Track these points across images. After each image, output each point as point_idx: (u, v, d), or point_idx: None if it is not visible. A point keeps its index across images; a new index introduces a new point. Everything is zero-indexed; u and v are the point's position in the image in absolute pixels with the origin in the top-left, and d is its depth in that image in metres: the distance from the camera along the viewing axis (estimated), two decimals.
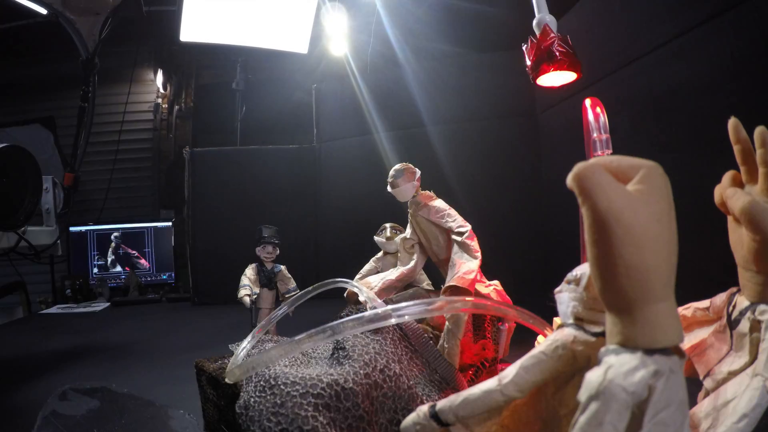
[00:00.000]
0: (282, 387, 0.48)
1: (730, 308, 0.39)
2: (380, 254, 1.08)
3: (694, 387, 0.39)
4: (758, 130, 0.38)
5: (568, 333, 0.35)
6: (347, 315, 0.57)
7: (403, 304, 0.46)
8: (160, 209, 3.10)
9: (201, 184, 2.13)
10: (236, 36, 2.27)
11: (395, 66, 2.05)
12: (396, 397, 0.53)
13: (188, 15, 2.13)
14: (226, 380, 0.56)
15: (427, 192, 0.92)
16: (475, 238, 0.85)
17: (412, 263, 0.94)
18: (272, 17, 2.23)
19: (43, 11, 1.27)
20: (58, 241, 1.38)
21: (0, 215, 1.06)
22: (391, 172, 0.90)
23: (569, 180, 0.26)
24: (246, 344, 0.62)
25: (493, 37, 1.93)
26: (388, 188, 0.91)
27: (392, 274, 0.95)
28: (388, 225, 1.06)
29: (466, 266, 0.81)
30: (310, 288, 0.75)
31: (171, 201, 3.01)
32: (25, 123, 3.06)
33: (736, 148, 0.39)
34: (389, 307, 0.46)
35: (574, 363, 0.34)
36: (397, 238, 1.01)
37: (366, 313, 0.46)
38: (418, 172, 0.91)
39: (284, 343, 0.48)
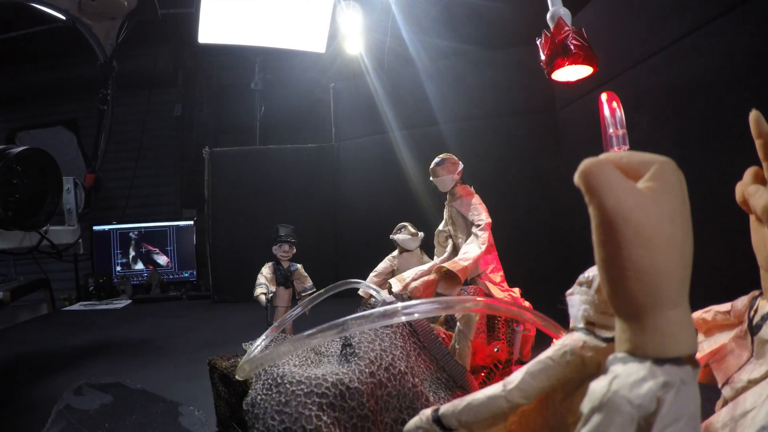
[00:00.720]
0: (287, 386, 0.48)
1: (752, 312, 0.36)
2: (395, 252, 1.07)
3: (712, 394, 0.37)
4: None
5: (578, 338, 0.33)
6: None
7: (413, 301, 0.46)
8: (183, 208, 3.15)
9: (221, 184, 2.16)
10: (254, 36, 2.29)
11: (410, 64, 2.03)
12: (401, 395, 0.52)
13: (206, 17, 2.16)
14: (237, 377, 0.57)
15: (466, 186, 0.92)
16: (489, 231, 0.85)
17: (445, 255, 0.94)
18: (289, 17, 2.24)
19: (63, 17, 1.29)
20: (80, 240, 1.41)
21: (22, 215, 1.09)
22: (435, 160, 0.90)
23: (576, 177, 0.25)
24: (260, 342, 0.62)
25: (510, 33, 1.90)
26: (430, 177, 0.91)
27: (424, 267, 0.94)
28: (407, 223, 1.06)
29: (466, 250, 0.81)
30: (322, 290, 0.76)
31: (193, 200, 3.05)
32: (49, 125, 3.15)
33: (758, 143, 0.37)
34: (399, 304, 0.46)
35: (584, 370, 0.33)
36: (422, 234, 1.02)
37: (375, 310, 0.45)
38: (461, 165, 0.90)
39: (293, 339, 0.48)
